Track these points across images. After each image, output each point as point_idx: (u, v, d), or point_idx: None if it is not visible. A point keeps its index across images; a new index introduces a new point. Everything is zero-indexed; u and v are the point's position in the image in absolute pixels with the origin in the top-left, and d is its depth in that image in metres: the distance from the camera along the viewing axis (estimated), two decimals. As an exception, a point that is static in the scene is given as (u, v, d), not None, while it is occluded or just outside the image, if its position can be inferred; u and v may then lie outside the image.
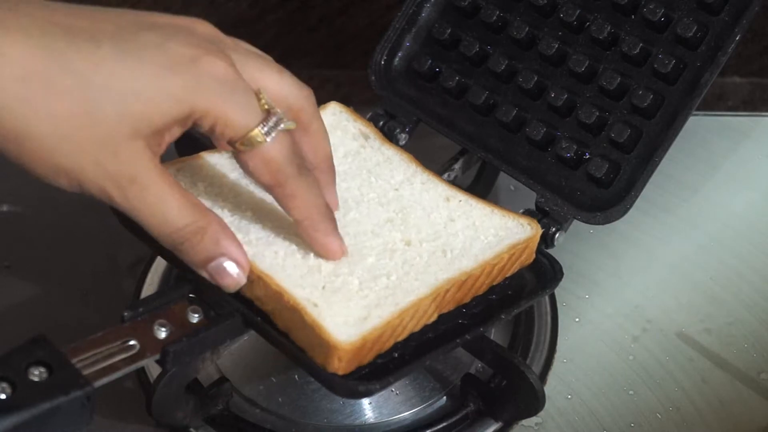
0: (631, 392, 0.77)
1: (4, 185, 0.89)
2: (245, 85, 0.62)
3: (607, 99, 0.77)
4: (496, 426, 0.74)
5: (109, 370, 0.61)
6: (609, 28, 0.77)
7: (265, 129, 0.62)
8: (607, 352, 0.80)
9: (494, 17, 0.81)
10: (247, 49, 0.66)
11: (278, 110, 0.63)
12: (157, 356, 0.64)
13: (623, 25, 0.77)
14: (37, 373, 0.58)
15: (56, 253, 0.86)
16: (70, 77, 0.58)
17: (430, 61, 0.83)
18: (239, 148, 0.62)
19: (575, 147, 0.77)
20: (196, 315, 0.65)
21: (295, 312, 0.64)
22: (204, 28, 0.63)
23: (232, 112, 0.61)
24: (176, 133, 0.62)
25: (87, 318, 0.79)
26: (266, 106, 0.62)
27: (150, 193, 0.60)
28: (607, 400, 0.77)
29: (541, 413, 0.73)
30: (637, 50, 0.76)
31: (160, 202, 0.61)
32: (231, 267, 0.64)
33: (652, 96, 0.75)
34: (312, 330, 0.63)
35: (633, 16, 0.77)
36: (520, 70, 0.80)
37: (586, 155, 0.77)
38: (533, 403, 0.71)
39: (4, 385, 0.57)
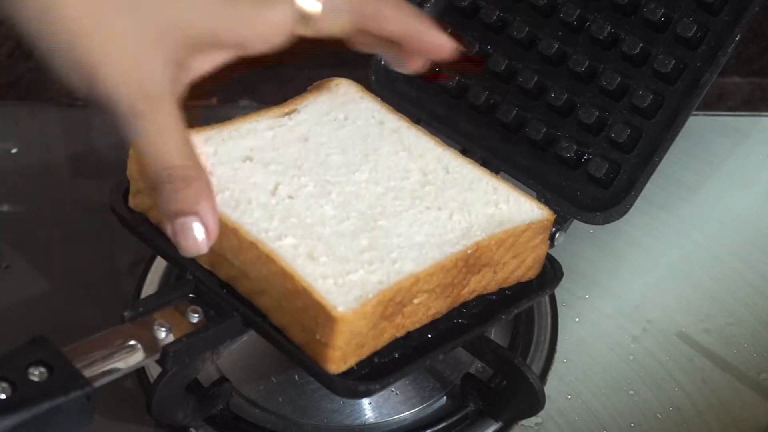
0: (631, 392, 0.77)
1: (4, 185, 0.89)
2: None
3: (607, 99, 0.77)
4: (496, 426, 0.74)
5: (109, 370, 0.61)
6: (609, 28, 0.77)
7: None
8: (607, 352, 0.79)
9: (494, 17, 0.81)
10: None
11: None
12: (157, 356, 0.64)
13: (623, 25, 0.77)
14: (37, 373, 0.58)
15: (56, 253, 0.86)
16: None
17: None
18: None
19: (575, 147, 0.77)
20: (196, 315, 0.65)
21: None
22: None
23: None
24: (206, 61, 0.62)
25: (87, 318, 0.79)
26: None
27: (157, 118, 0.58)
28: (607, 400, 0.77)
29: (541, 413, 0.73)
30: (637, 50, 0.76)
31: (163, 132, 0.59)
32: (198, 230, 0.60)
33: (652, 96, 0.75)
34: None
35: (633, 16, 0.77)
36: (520, 70, 0.80)
37: (586, 155, 0.77)
38: (533, 403, 0.71)
39: (4, 385, 0.57)
